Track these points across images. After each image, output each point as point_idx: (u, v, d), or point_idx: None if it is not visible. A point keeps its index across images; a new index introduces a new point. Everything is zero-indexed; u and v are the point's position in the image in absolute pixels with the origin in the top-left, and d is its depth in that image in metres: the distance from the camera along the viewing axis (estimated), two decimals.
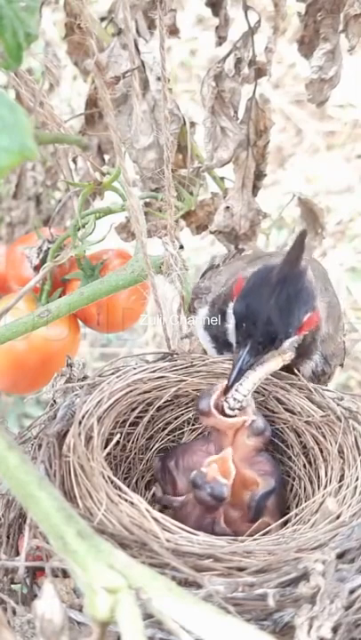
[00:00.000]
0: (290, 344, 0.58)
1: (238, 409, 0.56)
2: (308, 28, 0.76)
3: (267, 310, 0.56)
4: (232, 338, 0.61)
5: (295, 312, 0.57)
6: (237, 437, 0.58)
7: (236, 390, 0.57)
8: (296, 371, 0.63)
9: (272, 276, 0.56)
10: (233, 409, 0.56)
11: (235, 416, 0.57)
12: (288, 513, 0.57)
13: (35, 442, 0.55)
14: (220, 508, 0.54)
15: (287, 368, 0.62)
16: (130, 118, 0.77)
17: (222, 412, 0.57)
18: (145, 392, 0.61)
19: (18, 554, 0.51)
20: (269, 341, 0.57)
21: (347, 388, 1.60)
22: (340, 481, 0.54)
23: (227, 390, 0.57)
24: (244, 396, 0.57)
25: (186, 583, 0.43)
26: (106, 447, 0.54)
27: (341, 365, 0.71)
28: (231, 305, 0.60)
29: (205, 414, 0.57)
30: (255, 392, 0.62)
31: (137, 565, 0.36)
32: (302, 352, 0.61)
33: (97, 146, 0.89)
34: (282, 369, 0.61)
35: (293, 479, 0.60)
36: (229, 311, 0.60)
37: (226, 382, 0.57)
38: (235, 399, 0.56)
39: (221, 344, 0.64)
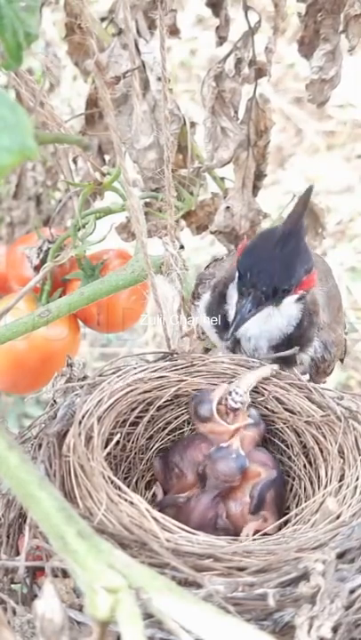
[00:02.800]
0: (289, 302, 0.60)
1: (242, 403, 0.57)
2: (309, 28, 0.76)
3: (270, 262, 0.58)
4: (231, 307, 0.62)
5: (296, 267, 0.59)
6: (236, 430, 0.58)
7: (236, 392, 0.57)
8: (295, 366, 0.63)
9: (275, 234, 0.59)
10: (237, 403, 0.57)
11: (235, 415, 0.57)
12: (288, 513, 0.57)
13: (35, 442, 0.55)
14: (223, 502, 0.55)
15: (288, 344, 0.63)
16: (130, 118, 0.77)
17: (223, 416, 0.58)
18: (145, 392, 0.61)
19: (18, 554, 0.51)
20: (272, 292, 0.58)
21: (347, 388, 1.60)
22: (341, 481, 0.54)
23: (235, 328, 0.58)
24: (244, 392, 0.58)
25: (186, 583, 0.43)
26: (106, 447, 0.54)
27: (342, 360, 0.71)
28: (231, 285, 0.62)
29: (206, 420, 0.57)
30: (255, 392, 0.62)
31: (137, 565, 0.36)
32: (301, 335, 0.63)
33: (97, 146, 0.89)
34: (281, 358, 0.62)
35: (293, 479, 0.60)
36: (229, 292, 0.62)
37: (223, 387, 0.58)
38: (234, 400, 0.57)
39: (222, 328, 0.65)
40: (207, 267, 0.74)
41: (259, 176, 0.83)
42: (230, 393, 0.58)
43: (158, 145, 0.76)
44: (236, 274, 0.60)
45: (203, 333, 0.72)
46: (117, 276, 0.73)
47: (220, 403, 0.58)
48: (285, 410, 0.61)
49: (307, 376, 0.66)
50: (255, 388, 0.62)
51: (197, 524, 0.52)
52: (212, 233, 0.86)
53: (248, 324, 0.60)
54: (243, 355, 0.64)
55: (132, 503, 0.48)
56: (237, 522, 0.55)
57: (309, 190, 0.59)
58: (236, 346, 0.64)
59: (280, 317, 0.62)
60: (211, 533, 0.51)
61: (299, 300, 0.61)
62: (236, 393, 0.57)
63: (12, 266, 0.84)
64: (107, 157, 0.90)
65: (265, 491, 0.55)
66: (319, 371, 0.66)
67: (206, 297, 0.67)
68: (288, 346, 0.63)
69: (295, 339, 0.63)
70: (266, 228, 0.61)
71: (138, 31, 0.76)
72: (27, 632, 0.45)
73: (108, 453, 0.55)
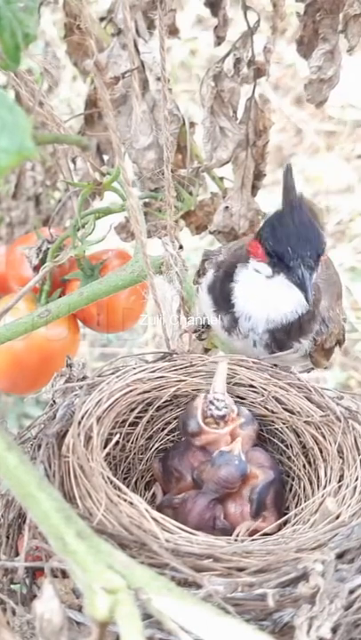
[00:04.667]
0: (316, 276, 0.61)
1: (226, 407, 0.57)
2: (308, 28, 0.76)
3: (301, 233, 0.60)
4: (239, 283, 0.63)
5: (319, 231, 0.61)
6: (232, 431, 0.58)
7: (216, 399, 0.58)
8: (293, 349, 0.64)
9: (282, 213, 0.61)
10: (221, 410, 0.58)
11: (225, 421, 0.57)
12: (287, 513, 0.57)
13: (34, 442, 0.55)
14: (221, 504, 0.55)
15: (283, 339, 0.64)
16: (129, 118, 0.77)
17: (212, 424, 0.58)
18: (144, 392, 0.61)
19: (17, 554, 0.51)
20: (316, 257, 0.59)
21: (347, 388, 1.60)
22: (340, 481, 0.54)
23: (308, 296, 0.59)
24: (223, 395, 0.58)
25: (185, 583, 0.43)
26: (105, 447, 0.54)
27: (340, 345, 0.71)
28: (240, 265, 0.63)
29: (197, 434, 0.57)
30: (254, 392, 0.62)
31: (136, 566, 0.36)
32: (300, 327, 0.63)
33: (96, 146, 0.89)
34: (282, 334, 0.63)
35: (293, 479, 0.60)
36: (237, 271, 0.63)
37: (201, 398, 0.58)
38: (218, 408, 0.57)
39: (222, 307, 0.65)
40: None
41: (258, 176, 0.83)
42: (211, 403, 0.58)
43: (157, 145, 0.76)
44: (267, 260, 0.60)
45: (202, 333, 0.72)
46: (117, 276, 0.73)
47: (205, 416, 0.58)
48: (285, 410, 0.61)
49: (307, 362, 0.67)
50: (254, 388, 0.62)
51: (195, 526, 0.52)
52: (211, 233, 0.86)
53: (252, 302, 0.61)
54: (238, 335, 0.64)
55: (131, 503, 0.48)
56: (236, 522, 0.55)
57: (289, 166, 0.61)
58: (232, 326, 0.64)
59: (287, 301, 0.62)
60: (210, 534, 0.51)
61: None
62: (217, 399, 0.57)
63: (11, 266, 0.84)
64: (106, 157, 0.90)
65: (264, 494, 0.55)
66: (317, 344, 0.66)
67: (210, 275, 0.67)
68: (284, 332, 0.63)
69: (294, 328, 0.63)
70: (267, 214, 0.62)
71: (137, 31, 0.76)
72: (26, 632, 0.45)
73: (108, 454, 0.55)
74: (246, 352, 0.65)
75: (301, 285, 0.59)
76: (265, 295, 0.62)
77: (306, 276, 0.59)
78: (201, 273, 0.69)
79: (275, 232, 0.60)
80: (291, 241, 0.59)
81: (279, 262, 0.60)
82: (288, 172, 0.61)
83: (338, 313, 0.68)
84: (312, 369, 0.68)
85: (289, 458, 0.60)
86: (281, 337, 0.64)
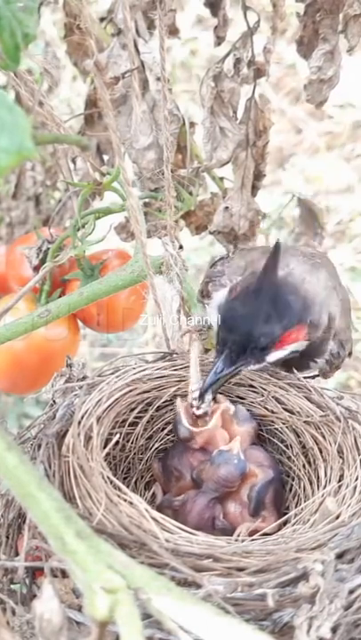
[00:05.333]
0: (274, 358, 0.58)
1: (203, 403, 0.57)
2: (307, 28, 0.76)
3: (240, 321, 0.56)
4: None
5: (270, 325, 0.56)
6: (229, 429, 0.58)
7: (193, 399, 0.58)
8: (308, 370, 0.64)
9: (249, 290, 0.57)
10: (199, 409, 0.57)
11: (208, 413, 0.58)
12: (287, 513, 0.57)
13: (34, 442, 0.55)
14: (220, 504, 0.55)
15: (300, 362, 0.62)
16: (129, 118, 0.77)
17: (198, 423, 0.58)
18: (144, 392, 0.61)
19: (17, 554, 0.51)
20: (242, 351, 0.56)
21: (347, 388, 1.60)
22: (340, 481, 0.54)
23: (205, 390, 0.57)
24: (196, 391, 0.58)
25: (185, 583, 0.43)
26: (105, 447, 0.54)
27: (350, 355, 0.71)
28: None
29: (190, 439, 0.58)
30: (254, 392, 0.62)
31: (136, 565, 0.36)
32: (313, 353, 0.62)
33: (96, 146, 0.89)
34: (293, 363, 0.62)
35: (293, 479, 0.60)
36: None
37: (181, 403, 0.59)
38: (197, 407, 0.57)
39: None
40: (214, 265, 0.73)
41: (258, 176, 0.83)
42: (191, 405, 0.58)
43: (157, 145, 0.76)
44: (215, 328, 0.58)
45: (202, 333, 0.72)
46: (117, 276, 0.73)
47: (191, 418, 0.58)
48: (285, 410, 0.61)
49: (316, 372, 0.66)
50: (254, 388, 0.62)
51: (195, 526, 0.52)
52: (211, 233, 0.86)
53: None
54: None
55: (131, 503, 0.48)
56: (236, 522, 0.55)
57: (278, 245, 0.56)
58: None
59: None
60: (209, 534, 0.51)
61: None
62: (194, 399, 0.57)
63: (11, 266, 0.84)
64: (106, 157, 0.90)
65: (263, 493, 0.55)
66: (332, 367, 0.65)
67: (220, 295, 0.65)
68: (300, 355, 0.61)
69: (309, 351, 0.62)
70: (251, 273, 0.59)
71: (137, 31, 0.76)
72: (26, 632, 0.45)
73: (108, 454, 0.55)
74: None
75: (208, 373, 0.57)
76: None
77: (216, 368, 0.57)
78: (205, 294, 0.67)
79: (230, 307, 0.57)
80: (227, 323, 0.57)
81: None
82: (275, 252, 0.56)
83: (351, 329, 0.68)
84: (317, 375, 0.68)
85: (289, 458, 0.61)
86: (297, 359, 0.62)
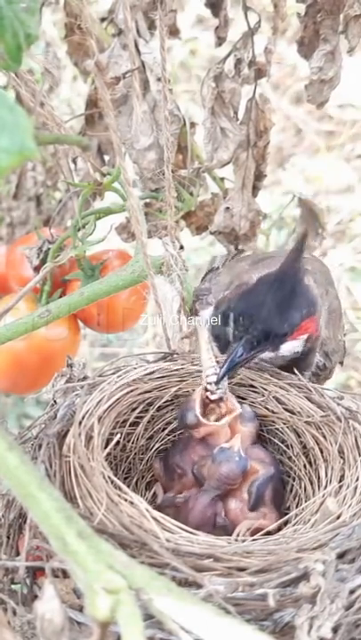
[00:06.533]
0: (290, 348, 0.60)
1: (219, 388, 0.58)
2: (308, 28, 0.76)
3: (263, 306, 0.57)
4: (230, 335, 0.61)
5: (291, 313, 0.58)
6: (232, 426, 0.58)
7: (208, 383, 0.58)
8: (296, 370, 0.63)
9: (271, 277, 0.58)
10: (215, 393, 0.58)
11: (224, 414, 0.58)
12: (288, 513, 0.57)
13: (35, 442, 0.55)
14: (222, 500, 0.55)
15: (288, 368, 0.62)
16: (130, 119, 0.77)
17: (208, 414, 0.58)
18: (145, 392, 0.61)
19: (18, 554, 0.51)
20: (264, 337, 0.58)
21: (347, 388, 1.60)
22: (341, 481, 0.54)
23: (223, 374, 0.58)
24: (213, 375, 0.58)
25: (186, 583, 0.43)
26: (106, 447, 0.54)
27: (341, 363, 0.71)
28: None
29: (195, 426, 0.58)
30: (254, 392, 0.62)
31: (137, 566, 0.36)
32: (300, 365, 0.63)
33: (97, 146, 0.89)
34: (282, 368, 0.62)
35: (293, 479, 0.60)
36: (231, 314, 0.61)
37: (198, 390, 0.58)
38: (212, 391, 0.58)
39: (224, 345, 0.64)
40: (203, 279, 0.73)
41: (258, 176, 0.83)
42: (205, 390, 0.58)
43: (158, 145, 0.76)
44: (231, 315, 0.59)
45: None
46: (117, 276, 0.73)
47: (205, 403, 0.58)
48: (285, 410, 0.61)
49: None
50: (255, 388, 0.62)
51: (197, 524, 0.52)
52: (211, 233, 0.86)
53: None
54: None
55: (132, 503, 0.48)
56: (237, 519, 0.55)
57: (305, 235, 0.59)
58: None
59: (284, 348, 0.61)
60: (210, 532, 0.51)
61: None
62: (208, 383, 0.57)
63: (11, 266, 0.84)
64: (106, 158, 0.90)
65: (263, 488, 0.55)
66: (320, 379, 0.66)
67: (207, 314, 0.66)
68: (288, 368, 0.63)
69: (294, 364, 0.63)
70: (267, 272, 0.60)
71: (138, 31, 0.76)
72: (27, 632, 0.45)
73: (109, 454, 0.55)
74: None
75: (226, 358, 0.58)
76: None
77: (235, 353, 0.57)
78: (193, 312, 0.68)
79: (247, 296, 0.59)
80: (248, 311, 0.58)
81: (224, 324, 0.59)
82: (300, 242, 0.58)
83: (340, 339, 0.68)
84: None
85: (290, 458, 0.61)
86: (285, 371, 0.63)
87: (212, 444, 0.58)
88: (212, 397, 0.58)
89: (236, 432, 0.58)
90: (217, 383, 0.58)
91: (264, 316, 0.57)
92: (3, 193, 1.03)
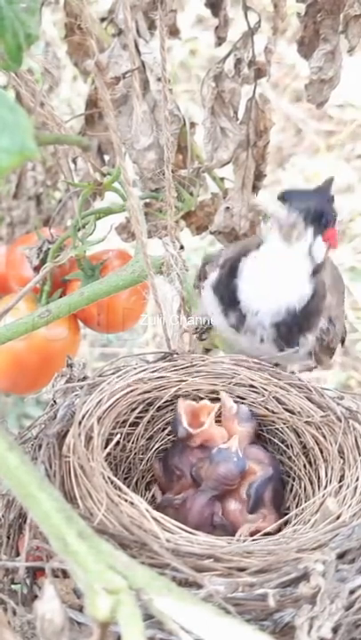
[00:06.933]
0: (320, 249, 0.61)
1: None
2: (308, 28, 0.76)
3: (313, 195, 0.63)
4: (242, 280, 0.63)
5: (332, 206, 0.62)
6: (229, 427, 0.58)
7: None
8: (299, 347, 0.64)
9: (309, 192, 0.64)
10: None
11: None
12: (288, 513, 0.57)
13: (35, 442, 0.55)
14: (220, 500, 0.55)
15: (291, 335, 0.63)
16: (130, 119, 0.77)
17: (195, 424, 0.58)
18: (145, 392, 0.61)
19: (18, 554, 0.51)
20: (317, 217, 0.60)
21: (347, 388, 1.60)
22: (341, 481, 0.54)
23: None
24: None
25: (186, 583, 0.43)
26: (106, 447, 0.54)
27: (343, 343, 0.71)
28: (244, 259, 0.63)
29: (188, 438, 0.58)
30: (254, 392, 0.62)
31: (137, 566, 0.36)
32: (304, 324, 0.63)
33: (97, 146, 0.89)
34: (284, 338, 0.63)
35: (293, 479, 0.60)
36: (241, 265, 0.63)
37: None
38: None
39: (228, 305, 0.65)
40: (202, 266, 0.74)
41: (258, 176, 0.83)
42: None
43: (158, 145, 0.76)
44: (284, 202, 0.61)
45: (203, 333, 0.72)
46: (117, 276, 0.73)
47: (191, 414, 0.58)
48: (285, 410, 0.61)
49: (311, 362, 0.67)
50: (255, 388, 0.62)
51: (195, 524, 0.52)
52: (211, 233, 0.86)
53: (258, 295, 0.62)
54: (246, 332, 0.64)
55: (132, 503, 0.48)
56: (236, 519, 0.55)
57: (330, 180, 0.65)
58: (240, 322, 0.64)
59: (291, 289, 0.62)
60: (209, 532, 0.51)
61: (315, 272, 0.62)
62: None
63: (11, 266, 0.84)
64: (107, 158, 0.90)
65: (261, 489, 0.55)
66: (323, 344, 0.66)
67: (214, 275, 0.67)
68: (290, 326, 0.63)
69: (300, 320, 0.63)
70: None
71: (138, 31, 0.76)
72: (27, 633, 0.45)
73: (108, 454, 0.55)
74: (253, 350, 0.65)
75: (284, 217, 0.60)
76: (270, 286, 0.62)
77: (299, 218, 0.59)
78: (202, 277, 0.69)
79: (293, 192, 0.62)
80: (301, 196, 0.61)
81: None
82: (328, 182, 0.65)
83: (343, 311, 0.68)
84: (315, 367, 0.68)
85: (289, 458, 0.61)
86: (287, 330, 0.63)
87: (211, 446, 0.58)
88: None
89: (234, 433, 0.58)
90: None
91: (317, 199, 0.61)
92: (3, 192, 1.03)
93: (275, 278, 0.62)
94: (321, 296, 0.64)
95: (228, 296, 0.64)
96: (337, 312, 0.67)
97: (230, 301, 0.64)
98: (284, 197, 0.61)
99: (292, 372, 0.65)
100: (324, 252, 0.62)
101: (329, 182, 0.65)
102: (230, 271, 0.64)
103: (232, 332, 0.65)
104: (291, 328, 0.63)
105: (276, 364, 0.64)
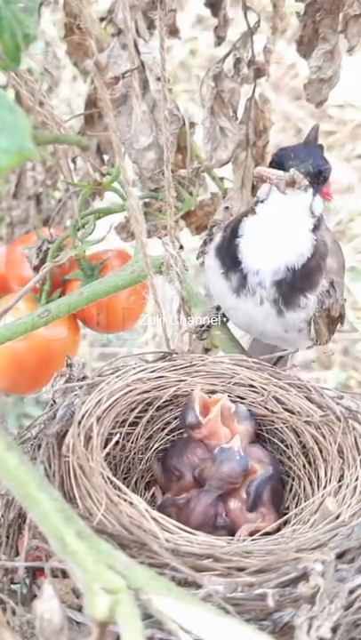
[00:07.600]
0: (318, 205, 0.62)
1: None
2: (307, 28, 0.76)
3: (307, 150, 0.62)
4: (244, 238, 0.63)
5: (326, 159, 0.62)
6: (230, 427, 0.58)
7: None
8: (300, 309, 0.64)
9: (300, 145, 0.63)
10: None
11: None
12: (287, 513, 0.57)
13: (34, 442, 0.55)
14: (222, 500, 0.55)
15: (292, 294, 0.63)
16: (129, 118, 0.77)
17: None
18: (144, 392, 0.61)
19: (17, 554, 0.51)
20: (316, 171, 0.60)
21: (347, 388, 1.59)
22: (340, 481, 0.54)
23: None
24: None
25: (185, 583, 0.43)
26: (105, 447, 0.54)
27: (341, 322, 0.71)
28: (245, 219, 0.64)
29: (196, 427, 0.58)
30: (254, 392, 0.62)
31: (136, 566, 0.36)
32: (305, 283, 0.63)
33: (96, 146, 0.89)
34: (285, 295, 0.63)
35: (293, 479, 0.60)
36: (242, 225, 0.64)
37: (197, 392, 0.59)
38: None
39: (230, 266, 0.65)
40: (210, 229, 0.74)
41: None
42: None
43: (158, 145, 0.76)
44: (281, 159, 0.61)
45: (202, 333, 0.72)
46: (117, 276, 0.73)
47: (204, 405, 0.58)
48: (285, 410, 0.61)
49: (312, 332, 0.66)
50: (254, 388, 0.62)
51: (198, 524, 0.52)
52: None
53: (258, 252, 0.62)
54: (246, 294, 0.64)
55: (131, 503, 0.48)
56: (236, 518, 0.55)
57: (316, 127, 0.64)
58: (241, 284, 0.64)
59: (292, 246, 0.62)
60: (210, 532, 0.51)
61: (314, 229, 0.63)
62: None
63: (11, 266, 0.84)
64: (106, 157, 0.90)
65: (261, 488, 0.55)
66: (323, 308, 0.65)
67: (218, 238, 0.68)
68: (291, 283, 0.63)
69: (301, 278, 0.63)
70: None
71: (137, 31, 0.76)
72: (26, 632, 0.45)
73: (108, 454, 0.55)
74: (252, 318, 0.65)
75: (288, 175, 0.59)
76: (270, 243, 0.62)
77: (299, 174, 0.59)
78: (208, 240, 0.69)
79: (287, 148, 0.62)
80: (295, 150, 0.61)
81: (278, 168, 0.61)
82: (314, 131, 0.64)
83: (343, 283, 0.68)
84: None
85: (289, 458, 0.61)
86: (288, 289, 0.63)
87: (211, 445, 0.58)
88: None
89: (234, 432, 0.58)
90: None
91: (312, 154, 0.61)
92: (2, 192, 1.03)
93: (275, 235, 0.62)
94: (322, 253, 0.64)
95: (229, 257, 0.64)
96: (338, 279, 0.67)
97: (232, 262, 0.64)
98: (279, 158, 0.61)
99: (294, 366, 0.65)
100: (322, 206, 0.62)
101: (315, 130, 0.65)
102: (232, 232, 0.65)
103: (233, 298, 0.65)
104: (292, 285, 0.63)
105: (276, 363, 0.64)
